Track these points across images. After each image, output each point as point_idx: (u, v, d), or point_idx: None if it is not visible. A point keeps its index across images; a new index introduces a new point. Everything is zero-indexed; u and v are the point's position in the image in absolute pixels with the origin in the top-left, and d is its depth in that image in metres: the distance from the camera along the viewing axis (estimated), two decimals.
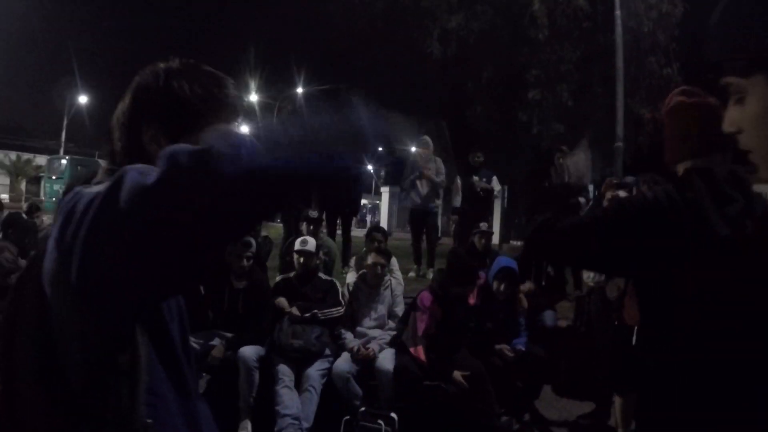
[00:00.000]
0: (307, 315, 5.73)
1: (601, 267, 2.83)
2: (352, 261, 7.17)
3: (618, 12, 13.05)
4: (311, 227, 7.12)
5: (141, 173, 1.01)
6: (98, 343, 1.14)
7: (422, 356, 5.53)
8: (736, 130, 1.19)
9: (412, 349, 5.59)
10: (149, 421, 1.18)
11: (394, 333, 5.91)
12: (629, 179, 5.63)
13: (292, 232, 8.20)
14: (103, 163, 1.50)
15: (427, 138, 9.84)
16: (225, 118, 1.46)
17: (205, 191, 0.97)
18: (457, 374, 5.43)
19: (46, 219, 9.72)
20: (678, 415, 1.40)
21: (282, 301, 5.82)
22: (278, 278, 6.41)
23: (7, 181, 49.84)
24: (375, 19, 16.13)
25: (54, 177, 31.17)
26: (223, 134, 1.08)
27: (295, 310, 5.75)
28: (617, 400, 5.17)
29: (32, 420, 1.22)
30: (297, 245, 6.08)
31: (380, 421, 5.15)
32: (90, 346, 1.14)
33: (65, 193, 1.24)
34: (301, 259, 5.98)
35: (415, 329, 5.62)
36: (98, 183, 1.24)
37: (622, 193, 4.67)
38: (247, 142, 1.04)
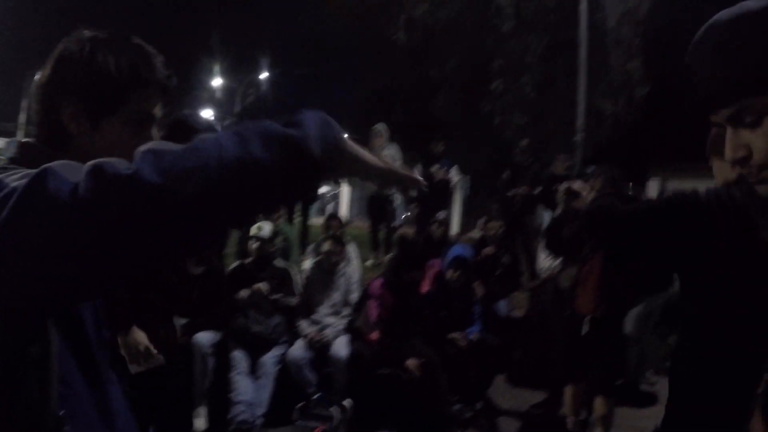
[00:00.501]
0: (275, 297, 5.71)
1: (650, 258, 2.82)
2: (310, 248, 7.15)
3: (583, 5, 13.15)
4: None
5: (62, 182, 0.92)
6: (6, 335, 1.08)
7: (374, 341, 5.57)
8: (746, 155, 1.14)
9: (364, 335, 5.62)
10: (61, 413, 1.12)
11: (349, 320, 5.93)
12: (590, 170, 5.68)
13: None
14: (19, 136, 1.44)
15: (380, 127, 9.79)
16: (151, 99, 1.40)
17: (136, 219, 0.90)
18: (411, 362, 5.46)
19: None
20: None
21: (259, 286, 5.75)
22: (232, 265, 6.35)
23: None
24: (342, 3, 16.05)
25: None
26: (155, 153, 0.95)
27: (264, 285, 5.73)
28: (568, 389, 5.25)
29: None
30: (252, 231, 6.03)
31: (334, 408, 5.17)
32: None
33: None
34: (256, 245, 5.93)
35: (369, 316, 5.64)
36: (13, 168, 1.18)
37: (577, 184, 4.70)
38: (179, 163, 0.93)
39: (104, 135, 1.35)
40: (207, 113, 49.06)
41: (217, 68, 35.24)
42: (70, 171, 0.95)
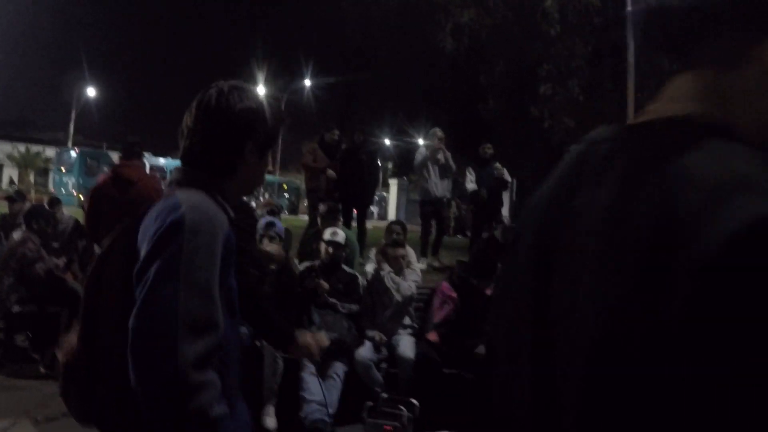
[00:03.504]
0: (333, 301, 5.84)
1: None
2: (372, 252, 7.28)
3: (629, 8, 13.11)
4: (326, 217, 7.17)
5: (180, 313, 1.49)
6: None
7: (439, 342, 5.68)
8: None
9: (428, 335, 5.73)
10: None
11: (414, 322, 6.06)
12: None
13: (315, 222, 8.34)
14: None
15: (438, 131, 9.92)
16: (280, 131, 1.97)
17: None
18: (482, 348, 5.57)
19: (66, 211, 9.94)
20: None
21: (323, 283, 5.90)
22: (302, 267, 6.50)
23: (16, 173, 50.08)
24: (388, 13, 16.18)
25: (63, 169, 31.41)
26: None
27: (324, 285, 5.88)
28: None
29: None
30: (327, 236, 6.17)
31: (402, 407, 5.27)
32: None
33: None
34: (330, 250, 6.08)
35: (434, 317, 5.76)
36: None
37: None
38: None
39: (264, 162, 1.91)
40: None
41: (260, 77, 35.73)
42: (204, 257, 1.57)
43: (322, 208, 7.55)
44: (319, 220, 7.26)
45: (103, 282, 1.74)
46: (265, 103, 1.88)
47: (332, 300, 5.87)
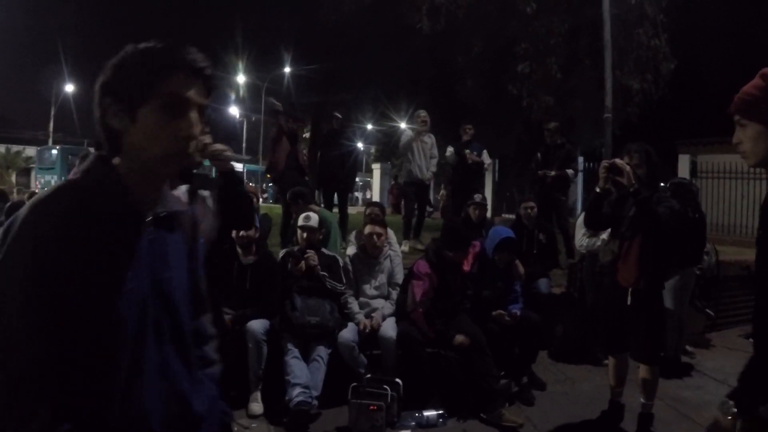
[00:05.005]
0: (323, 273, 5.87)
1: None
2: (352, 235, 7.29)
3: None
4: (301, 202, 7.10)
5: None
6: None
7: (421, 320, 5.72)
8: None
9: (410, 314, 5.77)
10: None
11: (396, 301, 6.10)
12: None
13: (288, 210, 8.30)
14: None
15: (423, 113, 9.92)
16: (182, 83, 1.47)
17: None
18: (459, 338, 5.63)
19: None
20: None
21: (302, 264, 5.87)
22: (282, 252, 6.52)
23: None
24: None
25: (44, 167, 31.27)
26: None
27: (313, 255, 5.89)
28: (610, 361, 5.38)
29: None
30: (300, 221, 6.18)
31: (386, 387, 5.32)
32: None
33: None
34: (305, 234, 6.09)
35: (414, 296, 5.80)
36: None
37: (617, 161, 4.78)
38: None
39: (143, 126, 1.44)
40: (233, 110, 49.55)
41: (240, 66, 35.44)
42: None
43: (289, 195, 7.47)
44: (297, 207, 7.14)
45: None
46: (137, 50, 1.46)
47: (322, 273, 5.89)
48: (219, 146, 3.40)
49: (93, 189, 1.45)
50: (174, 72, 1.45)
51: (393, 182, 26.37)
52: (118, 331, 1.43)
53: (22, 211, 1.37)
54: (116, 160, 1.49)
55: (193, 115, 1.48)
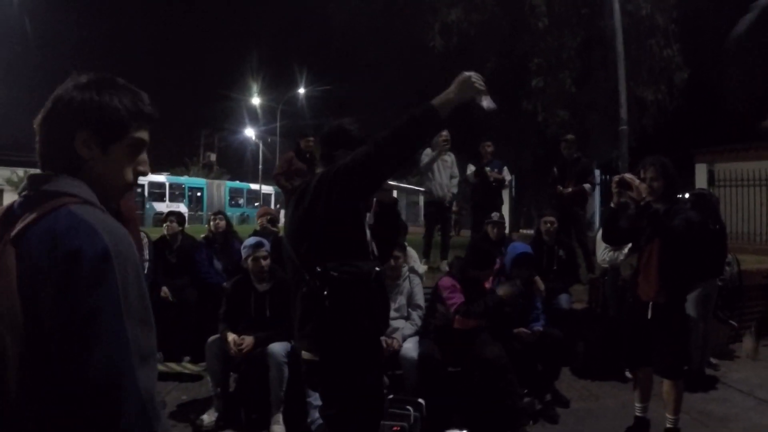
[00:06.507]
0: None
1: None
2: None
3: None
4: None
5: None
6: None
7: (468, 324, 5.69)
8: None
9: (457, 322, 5.71)
10: None
11: (417, 323, 6.08)
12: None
13: None
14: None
15: (444, 131, 9.81)
16: (145, 128, 1.73)
17: None
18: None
19: None
20: None
21: None
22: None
23: (15, 197, 50.23)
24: (375, 16, 16.23)
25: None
26: None
27: None
28: (634, 377, 5.33)
29: None
30: None
31: (408, 407, 5.29)
32: None
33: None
34: None
35: (448, 306, 5.76)
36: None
37: (628, 175, 4.79)
38: None
39: (112, 158, 1.67)
40: (249, 131, 49.91)
41: (255, 87, 35.82)
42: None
43: None
44: None
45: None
46: (111, 91, 1.66)
47: None
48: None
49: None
50: (142, 120, 1.72)
51: None
52: None
53: (115, 242, 1.50)
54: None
55: (145, 154, 1.77)
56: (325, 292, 2.94)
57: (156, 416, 1.47)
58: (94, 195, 1.62)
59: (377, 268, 3.12)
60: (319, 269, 2.94)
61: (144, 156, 1.75)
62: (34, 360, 1.39)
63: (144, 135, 1.73)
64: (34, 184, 1.62)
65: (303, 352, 3.17)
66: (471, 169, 10.02)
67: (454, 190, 9.84)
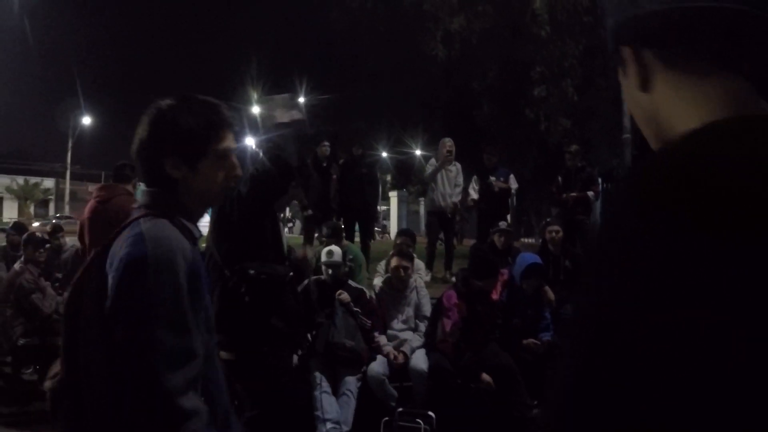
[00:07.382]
0: (356, 309, 5.81)
1: None
2: (380, 266, 7.22)
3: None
4: (330, 239, 7.04)
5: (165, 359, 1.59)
6: None
7: (450, 352, 5.64)
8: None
9: (439, 345, 5.69)
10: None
11: (425, 333, 6.02)
12: None
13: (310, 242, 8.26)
14: (142, 186, 1.95)
15: (448, 141, 9.75)
16: (226, 137, 1.86)
17: None
18: (485, 377, 5.53)
19: (68, 240, 9.86)
20: None
21: (345, 296, 5.86)
22: (306, 281, 6.43)
23: (15, 205, 50.33)
24: (377, 24, 16.23)
25: None
26: None
27: (345, 296, 5.84)
28: None
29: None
30: (323, 257, 6.11)
31: (419, 420, 5.24)
32: None
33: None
34: (330, 271, 6.03)
35: (443, 327, 5.72)
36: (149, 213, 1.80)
37: None
38: None
39: (202, 172, 1.83)
40: (249, 141, 49.98)
41: (255, 96, 35.77)
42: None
43: (325, 230, 7.46)
44: (324, 242, 7.12)
45: (80, 309, 1.77)
46: (185, 111, 1.82)
47: (356, 309, 5.84)
48: None
49: (180, 223, 1.81)
50: (221, 130, 1.85)
51: None
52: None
53: (155, 250, 1.67)
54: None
55: (234, 157, 1.90)
56: (243, 290, 3.21)
57: (183, 420, 1.58)
58: (181, 206, 1.82)
59: (291, 273, 3.51)
60: (236, 267, 3.24)
61: (233, 160, 1.89)
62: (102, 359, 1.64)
63: (227, 143, 1.86)
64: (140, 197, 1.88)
65: (221, 352, 3.25)
66: (474, 188, 9.89)
67: (457, 199, 9.78)
